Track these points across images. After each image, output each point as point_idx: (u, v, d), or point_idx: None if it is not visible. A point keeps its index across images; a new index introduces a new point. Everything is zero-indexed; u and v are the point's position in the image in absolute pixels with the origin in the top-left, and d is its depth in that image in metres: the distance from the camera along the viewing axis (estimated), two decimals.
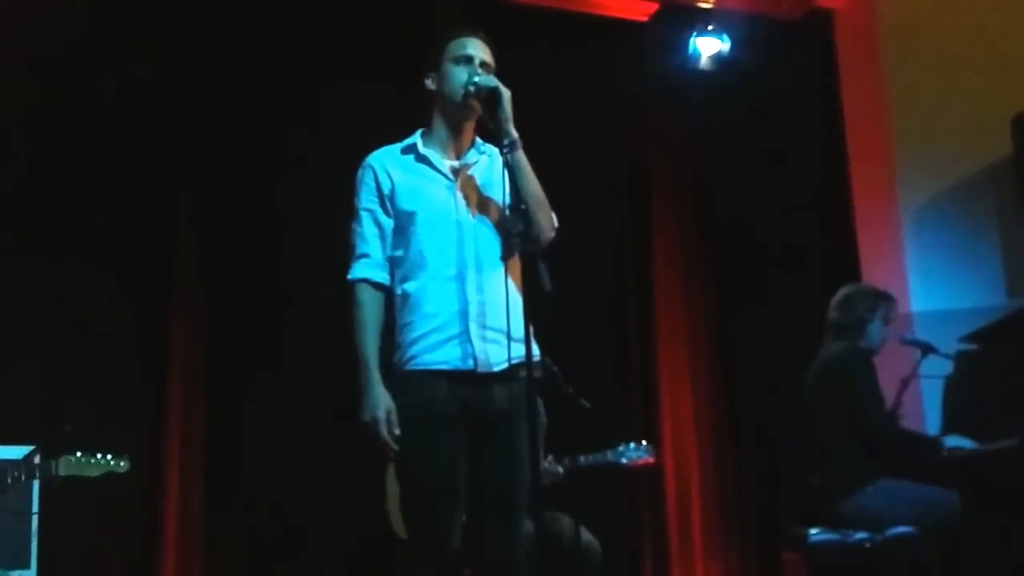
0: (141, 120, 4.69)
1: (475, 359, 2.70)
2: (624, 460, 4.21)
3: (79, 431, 3.84)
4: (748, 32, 5.57)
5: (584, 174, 5.18)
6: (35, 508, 3.73)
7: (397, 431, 2.67)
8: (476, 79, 2.77)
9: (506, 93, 2.74)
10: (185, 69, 4.80)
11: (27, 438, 3.72)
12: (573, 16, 5.46)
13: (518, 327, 2.67)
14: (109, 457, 3.41)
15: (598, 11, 5.56)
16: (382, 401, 2.68)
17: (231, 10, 4.90)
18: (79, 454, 3.36)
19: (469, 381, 2.71)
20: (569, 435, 4.03)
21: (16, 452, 3.67)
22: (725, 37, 5.52)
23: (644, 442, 4.29)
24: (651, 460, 4.32)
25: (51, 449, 3.62)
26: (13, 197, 4.42)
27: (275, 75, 4.93)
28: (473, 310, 2.72)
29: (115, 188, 4.60)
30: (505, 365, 2.73)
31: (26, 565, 3.79)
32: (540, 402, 3.88)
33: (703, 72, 5.54)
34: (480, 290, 2.74)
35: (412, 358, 2.74)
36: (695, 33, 5.52)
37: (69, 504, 3.85)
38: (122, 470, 3.45)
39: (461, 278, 2.74)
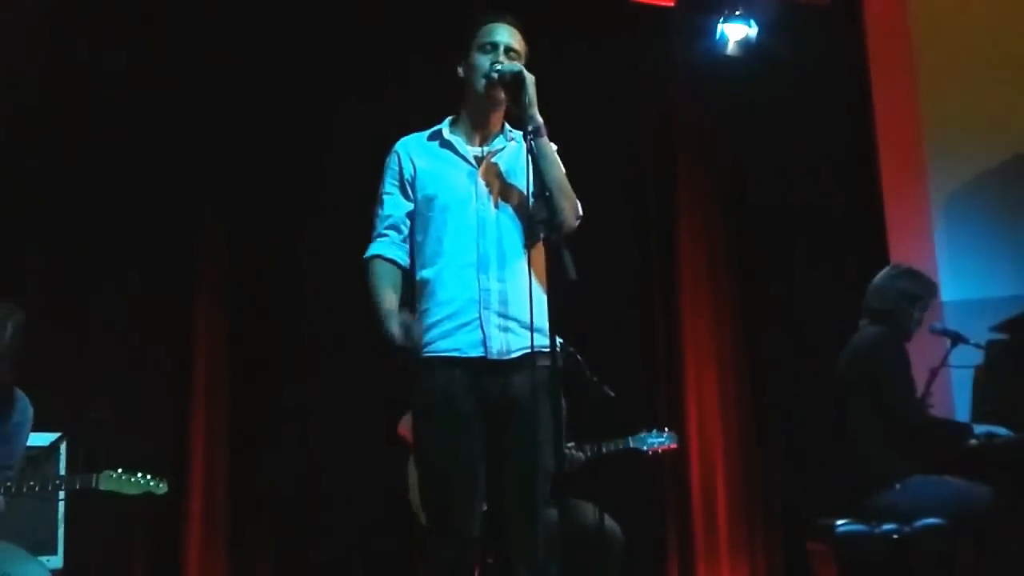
0: (164, 110, 4.69)
1: (486, 346, 2.69)
2: (645, 446, 4.21)
3: (105, 419, 3.86)
4: (776, 17, 5.51)
5: (610, 160, 5.15)
6: (62, 495, 3.76)
7: (417, 337, 2.69)
8: (499, 66, 2.75)
9: (530, 78, 2.71)
10: (206, 55, 4.81)
11: (54, 425, 3.76)
12: (600, 1, 5.42)
13: (538, 316, 2.65)
14: (149, 477, 3.43)
15: None
16: (395, 318, 2.69)
17: None
18: (120, 471, 3.38)
19: (484, 369, 2.70)
20: (595, 423, 4.02)
21: (44, 439, 3.70)
22: (752, 22, 5.46)
23: (667, 428, 4.29)
24: (673, 446, 4.32)
25: (77, 438, 3.64)
26: (36, 192, 4.45)
27: (301, 71, 4.93)
28: (487, 298, 2.71)
29: (139, 182, 4.62)
30: (520, 353, 2.71)
31: (53, 550, 3.82)
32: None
33: (730, 58, 5.49)
34: (498, 278, 2.73)
35: (427, 345, 2.74)
36: (722, 18, 5.47)
37: (95, 491, 3.86)
38: (160, 491, 3.46)
39: (478, 265, 2.73)
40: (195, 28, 4.78)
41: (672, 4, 5.58)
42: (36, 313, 3.86)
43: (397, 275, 2.82)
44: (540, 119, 2.69)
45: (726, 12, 5.46)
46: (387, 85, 4.87)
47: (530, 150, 2.65)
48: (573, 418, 3.95)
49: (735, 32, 5.47)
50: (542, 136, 2.70)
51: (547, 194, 2.60)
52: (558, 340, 2.59)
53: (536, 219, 2.63)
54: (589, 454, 4.05)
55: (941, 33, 5.36)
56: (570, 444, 4.02)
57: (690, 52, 5.56)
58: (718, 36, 5.48)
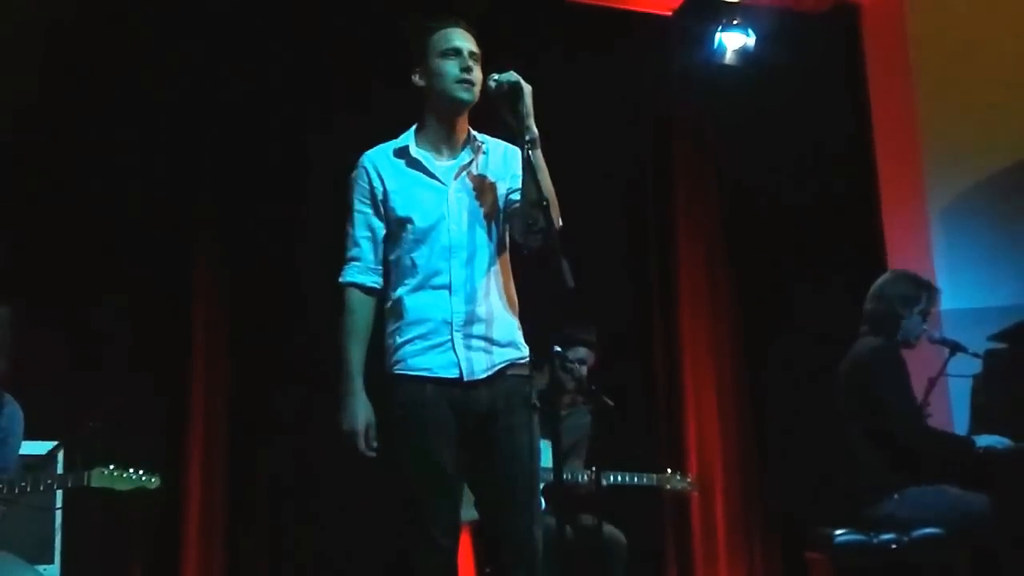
0: (160, 116, 4.70)
1: (460, 368, 2.67)
2: (669, 487, 4.40)
3: (103, 428, 3.85)
4: (774, 26, 5.52)
5: (607, 172, 5.14)
6: (58, 503, 3.75)
7: (375, 444, 2.67)
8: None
9: (527, 88, 2.65)
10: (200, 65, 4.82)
11: (51, 434, 3.74)
12: (597, 10, 5.43)
13: (510, 333, 2.70)
14: (141, 473, 3.42)
15: (622, 5, 5.52)
16: (362, 413, 2.67)
17: None
18: (112, 467, 3.36)
19: (456, 386, 2.67)
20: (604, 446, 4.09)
21: (41, 447, 3.69)
22: (750, 31, 5.47)
23: (690, 478, 4.51)
24: (694, 493, 4.68)
25: (75, 445, 3.63)
26: (33, 196, 4.45)
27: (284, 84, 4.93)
28: (459, 319, 2.68)
29: (135, 186, 4.61)
30: (492, 372, 2.69)
31: (50, 559, 3.81)
32: (589, 418, 4.07)
33: (728, 67, 5.49)
34: (470, 299, 2.70)
35: (398, 362, 2.72)
36: (720, 27, 5.48)
37: (92, 499, 3.86)
38: (153, 486, 3.45)
39: (450, 286, 2.70)
40: (190, 47, 4.80)
41: (670, 14, 5.59)
42: (34, 318, 3.87)
43: (371, 309, 2.78)
44: (536, 130, 2.64)
45: (724, 21, 5.47)
46: (379, 98, 4.86)
47: (527, 161, 2.61)
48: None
49: (733, 41, 5.48)
50: (539, 147, 2.65)
51: (544, 204, 2.56)
52: (556, 349, 2.58)
53: (533, 229, 2.61)
54: (604, 482, 4.06)
55: (939, 41, 5.36)
56: (591, 469, 4.07)
57: (688, 61, 5.56)
58: (716, 45, 5.49)
